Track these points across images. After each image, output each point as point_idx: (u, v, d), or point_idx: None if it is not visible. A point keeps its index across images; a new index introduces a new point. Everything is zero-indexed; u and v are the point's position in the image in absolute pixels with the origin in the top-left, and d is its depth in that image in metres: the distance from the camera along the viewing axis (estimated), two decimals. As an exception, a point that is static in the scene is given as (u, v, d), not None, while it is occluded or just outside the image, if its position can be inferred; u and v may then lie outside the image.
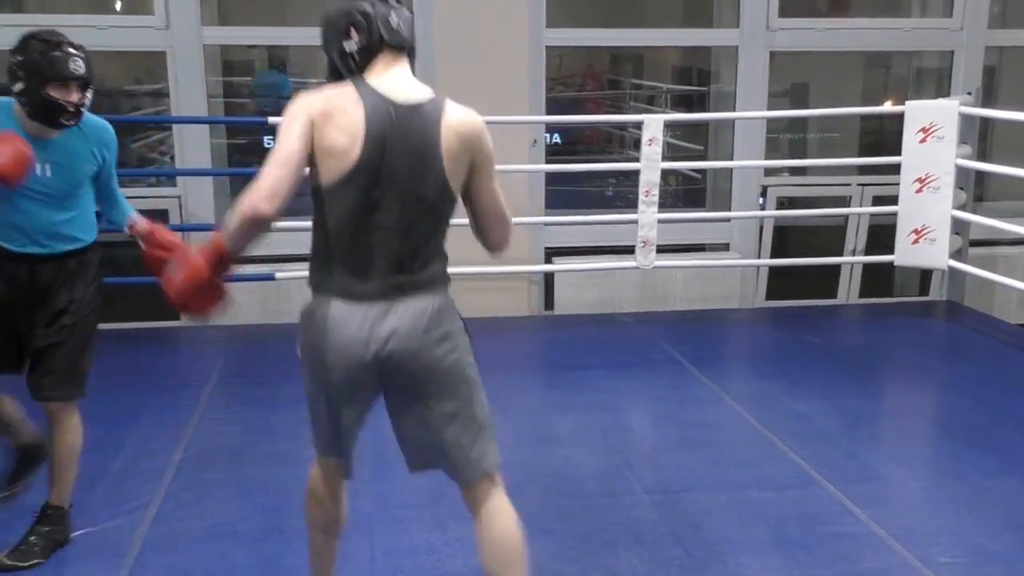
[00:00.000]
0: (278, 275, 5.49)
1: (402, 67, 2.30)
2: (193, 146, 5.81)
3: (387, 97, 2.23)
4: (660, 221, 5.50)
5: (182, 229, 5.72)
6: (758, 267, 6.17)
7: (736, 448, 3.97)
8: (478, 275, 5.80)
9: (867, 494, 3.49)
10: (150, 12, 5.67)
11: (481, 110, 5.63)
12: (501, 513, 2.39)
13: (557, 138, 8.37)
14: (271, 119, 5.70)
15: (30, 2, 6.59)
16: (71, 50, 2.79)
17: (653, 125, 5.36)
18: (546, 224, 5.98)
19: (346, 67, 2.26)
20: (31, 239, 2.88)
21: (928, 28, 6.54)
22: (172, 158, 6.02)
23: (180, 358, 5.29)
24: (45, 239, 2.88)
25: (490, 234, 2.45)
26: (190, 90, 5.72)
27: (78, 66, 2.79)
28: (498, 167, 5.62)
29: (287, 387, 4.55)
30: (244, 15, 6.56)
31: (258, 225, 2.12)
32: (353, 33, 2.25)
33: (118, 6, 6.65)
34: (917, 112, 5.54)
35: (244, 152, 6.48)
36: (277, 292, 5.68)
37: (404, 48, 2.30)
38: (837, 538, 3.19)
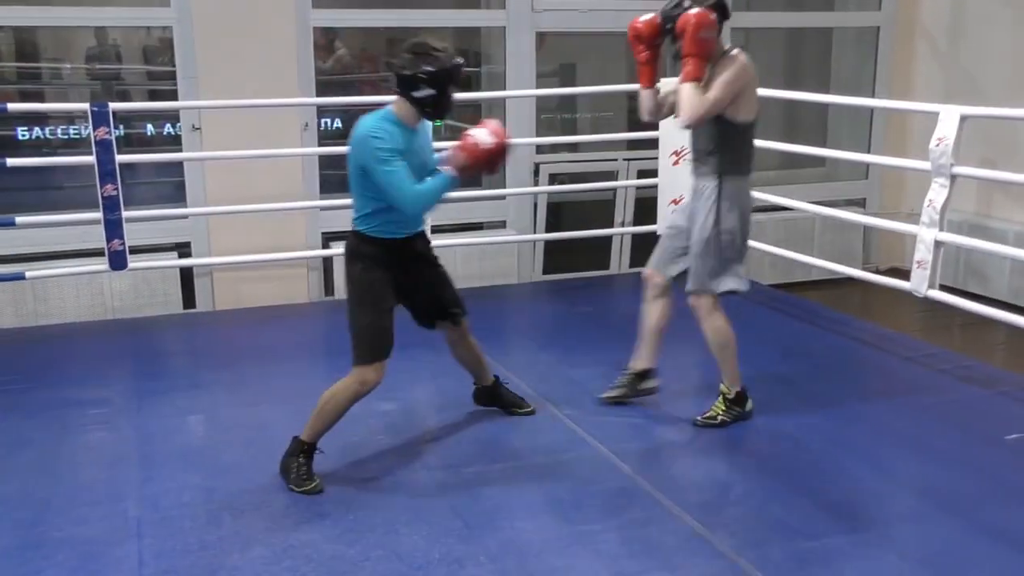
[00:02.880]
0: (28, 274, 5.14)
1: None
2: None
3: None
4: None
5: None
6: (534, 242, 6.34)
7: (513, 418, 4.08)
8: (253, 264, 5.67)
9: (634, 451, 3.70)
10: None
11: (248, 94, 5.56)
12: None
13: (339, 123, 8.26)
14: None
15: None
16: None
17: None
18: (322, 209, 5.90)
19: None
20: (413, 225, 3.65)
21: (681, 10, 6.89)
22: None
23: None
24: (417, 223, 3.66)
25: None
26: None
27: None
28: (269, 151, 5.60)
29: (44, 392, 4.32)
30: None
31: None
32: None
33: None
34: (669, 89, 5.83)
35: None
36: (31, 292, 5.33)
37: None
38: (606, 494, 3.36)
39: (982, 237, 5.44)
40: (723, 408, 3.94)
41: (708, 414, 3.94)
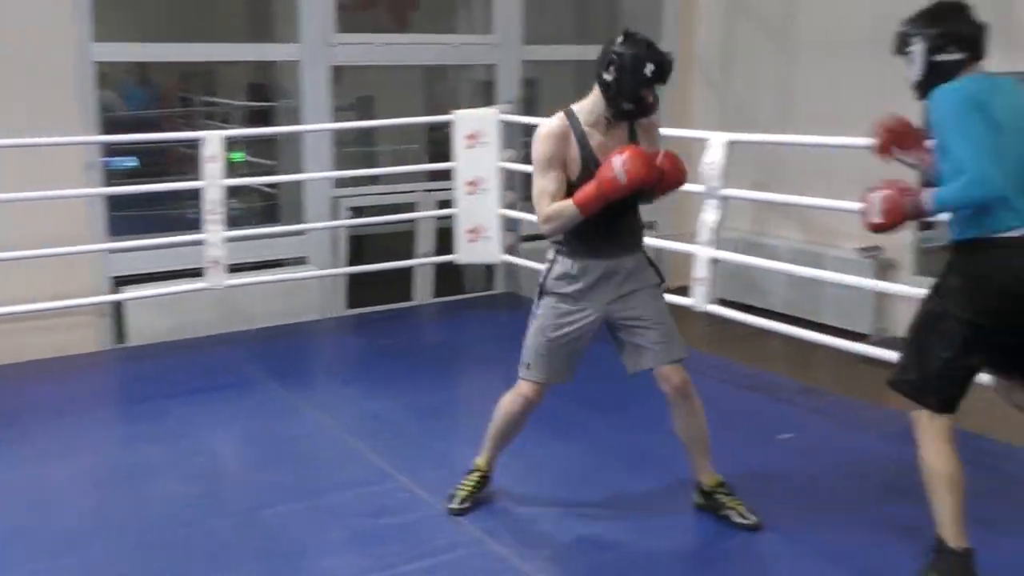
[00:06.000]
0: None
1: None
2: None
3: None
4: (230, 239, 5.43)
5: None
6: (334, 277, 6.29)
7: (317, 456, 4.05)
8: (33, 313, 5.33)
9: (438, 480, 3.71)
10: None
11: (25, 132, 5.26)
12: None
13: (134, 161, 7.93)
14: None
15: None
16: None
17: (212, 142, 5.27)
18: (111, 251, 5.64)
19: None
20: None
21: (473, 44, 7.08)
22: None
23: None
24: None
25: None
26: None
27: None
28: (44, 193, 5.32)
29: None
30: None
31: None
32: None
33: None
34: (463, 121, 6.00)
35: None
36: None
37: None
38: (409, 525, 3.38)
39: (758, 254, 5.84)
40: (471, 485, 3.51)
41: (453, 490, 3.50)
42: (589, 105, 3.17)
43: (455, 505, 3.47)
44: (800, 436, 4.15)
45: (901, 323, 5.87)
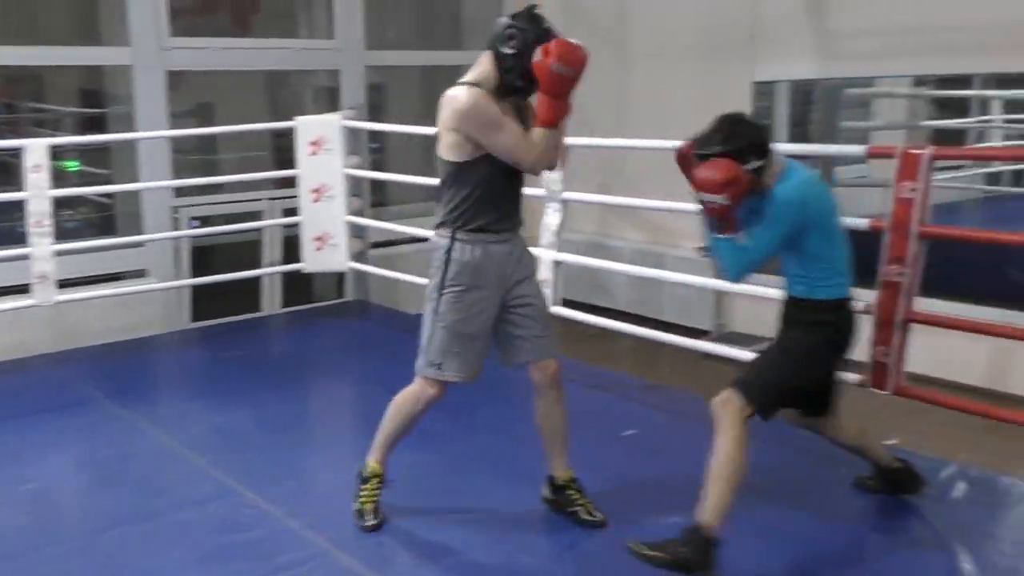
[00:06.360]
0: None
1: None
2: None
3: None
4: (60, 253, 5.17)
5: None
6: (178, 289, 6.09)
7: (158, 474, 3.90)
8: None
9: (286, 493, 3.65)
10: None
11: None
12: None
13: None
14: None
15: None
16: None
17: (35, 151, 5.01)
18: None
19: None
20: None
21: (315, 49, 7.00)
22: None
23: None
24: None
25: None
26: None
27: None
28: None
29: None
30: None
31: None
32: None
33: None
34: (306, 127, 5.92)
35: None
36: None
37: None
38: (256, 541, 3.29)
39: (602, 255, 6.01)
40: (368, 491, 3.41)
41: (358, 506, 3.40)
42: (483, 76, 3.11)
43: (369, 522, 3.33)
44: (645, 433, 4.27)
45: (739, 319, 6.18)
